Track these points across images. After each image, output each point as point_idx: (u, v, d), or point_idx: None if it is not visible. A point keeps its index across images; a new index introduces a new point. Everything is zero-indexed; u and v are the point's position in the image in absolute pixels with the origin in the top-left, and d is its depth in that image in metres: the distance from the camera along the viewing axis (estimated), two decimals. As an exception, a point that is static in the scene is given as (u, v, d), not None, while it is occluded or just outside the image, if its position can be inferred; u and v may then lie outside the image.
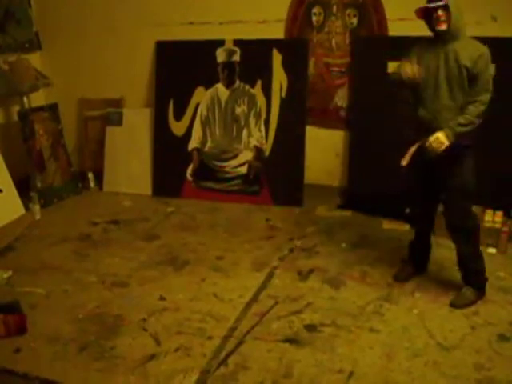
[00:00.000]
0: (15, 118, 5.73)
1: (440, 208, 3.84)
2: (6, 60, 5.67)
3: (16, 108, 5.81)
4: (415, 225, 4.09)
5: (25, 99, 5.78)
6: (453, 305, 3.67)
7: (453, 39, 3.37)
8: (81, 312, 3.70)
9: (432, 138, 3.37)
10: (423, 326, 3.48)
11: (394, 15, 5.00)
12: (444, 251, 4.26)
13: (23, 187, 5.32)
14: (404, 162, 3.58)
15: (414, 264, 4.07)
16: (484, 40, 3.44)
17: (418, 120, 3.56)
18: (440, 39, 3.41)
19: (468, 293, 3.71)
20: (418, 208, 3.92)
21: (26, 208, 5.20)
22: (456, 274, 3.84)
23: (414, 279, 4.00)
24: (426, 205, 3.85)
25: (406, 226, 4.80)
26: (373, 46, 5.23)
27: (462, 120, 3.34)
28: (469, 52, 3.32)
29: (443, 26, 3.35)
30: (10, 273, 4.20)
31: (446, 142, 3.35)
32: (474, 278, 3.73)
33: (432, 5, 3.35)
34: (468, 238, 3.62)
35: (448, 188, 3.55)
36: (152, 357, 3.22)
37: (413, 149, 3.56)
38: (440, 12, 3.32)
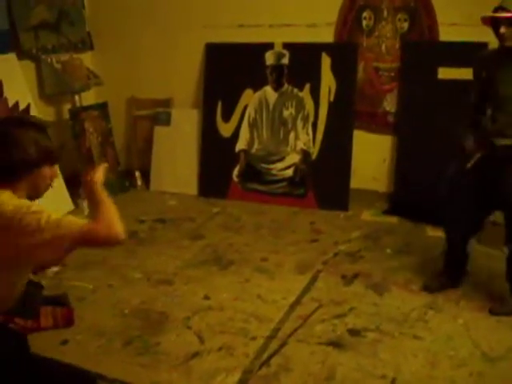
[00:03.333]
0: (66, 116, 5.84)
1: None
2: (59, 59, 5.79)
3: (67, 106, 5.93)
4: (448, 235, 3.89)
5: (76, 98, 5.88)
6: (492, 311, 3.59)
7: None
8: (126, 307, 3.75)
9: None
10: (468, 335, 3.43)
11: (446, 20, 4.94)
12: (492, 261, 4.18)
13: (72, 184, 5.42)
14: (469, 165, 3.53)
15: (448, 275, 3.95)
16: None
17: (487, 131, 3.47)
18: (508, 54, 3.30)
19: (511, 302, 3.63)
20: (452, 217, 3.77)
21: (75, 204, 5.30)
22: (505, 286, 3.75)
23: (460, 288, 3.94)
24: (463, 213, 3.69)
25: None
26: (423, 50, 5.18)
27: None
28: None
29: (509, 43, 3.22)
30: (58, 267, 4.29)
31: None
32: None
33: (495, 15, 3.19)
34: None
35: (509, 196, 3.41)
36: (195, 354, 3.24)
37: (478, 155, 3.51)
38: (503, 29, 3.17)
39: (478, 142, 3.53)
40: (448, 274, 3.95)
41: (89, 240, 2.00)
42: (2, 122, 2.12)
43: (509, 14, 3.13)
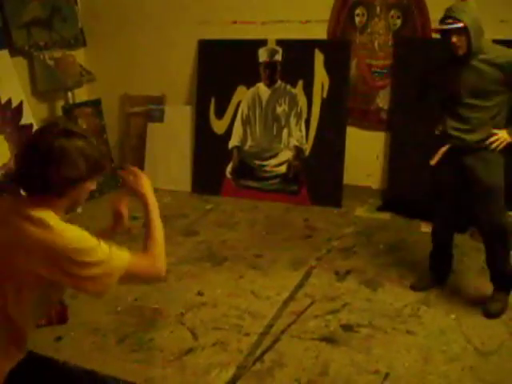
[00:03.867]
0: (59, 112, 5.84)
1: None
2: (52, 56, 5.78)
3: (60, 103, 5.92)
4: (436, 234, 3.89)
5: (69, 94, 5.87)
6: (487, 312, 3.57)
7: (474, 56, 3.28)
8: (120, 304, 3.76)
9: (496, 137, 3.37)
10: (460, 330, 3.45)
11: (438, 17, 4.89)
12: (483, 256, 4.20)
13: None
14: (433, 162, 3.60)
15: (434, 274, 3.96)
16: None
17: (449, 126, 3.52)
18: (461, 59, 3.33)
19: (500, 297, 3.63)
20: (440, 216, 3.81)
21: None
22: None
23: (452, 283, 3.97)
24: (451, 212, 3.75)
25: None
26: (416, 47, 5.19)
27: None
28: (497, 62, 3.26)
29: (460, 52, 3.27)
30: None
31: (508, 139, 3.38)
32: (504, 279, 3.66)
33: (445, 27, 3.23)
34: (500, 238, 3.53)
35: (480, 186, 3.46)
36: (189, 350, 3.26)
37: (443, 149, 3.56)
38: (454, 38, 3.21)
39: (442, 137, 3.60)
40: (434, 273, 3.96)
41: (132, 276, 1.97)
42: (44, 133, 1.88)
43: (459, 25, 3.17)
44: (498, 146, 3.39)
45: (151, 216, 2.08)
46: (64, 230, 1.83)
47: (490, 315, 3.56)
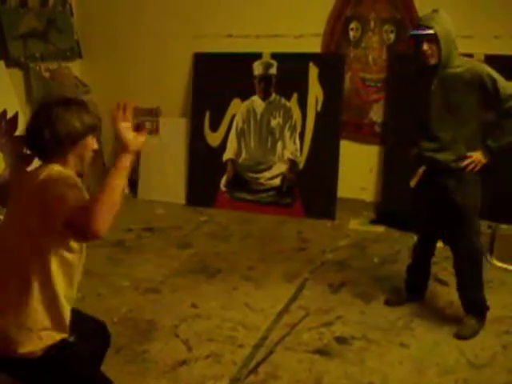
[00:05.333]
0: (55, 124, 5.83)
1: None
2: (48, 68, 5.80)
3: (56, 115, 5.91)
4: (416, 250, 3.85)
5: (64, 106, 5.87)
6: (458, 335, 3.51)
7: (446, 67, 3.26)
8: (114, 316, 3.75)
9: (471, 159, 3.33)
10: (453, 343, 3.46)
11: (432, 32, 5.00)
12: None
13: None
14: (412, 183, 3.60)
15: (409, 292, 3.93)
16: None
17: (424, 147, 3.50)
18: (431, 70, 3.32)
19: (472, 322, 3.55)
20: (421, 234, 3.79)
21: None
22: (487, 293, 3.77)
23: (445, 296, 3.98)
24: (429, 230, 3.72)
25: (438, 243, 4.77)
26: (409, 62, 5.22)
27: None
28: (467, 77, 3.23)
29: (431, 61, 3.25)
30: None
31: (483, 160, 3.34)
32: (477, 308, 3.59)
33: (414, 32, 3.23)
34: (473, 262, 3.49)
35: (455, 209, 3.42)
36: (183, 362, 3.25)
37: (420, 171, 3.56)
38: (425, 46, 3.20)
39: (418, 159, 3.59)
40: (410, 287, 3.93)
41: (76, 220, 1.94)
42: (46, 102, 2.22)
43: (428, 31, 3.18)
44: (473, 168, 3.34)
45: (113, 172, 2.01)
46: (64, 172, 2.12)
47: (459, 338, 3.50)
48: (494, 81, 3.20)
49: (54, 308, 2.14)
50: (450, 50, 3.23)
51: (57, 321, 2.16)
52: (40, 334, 2.11)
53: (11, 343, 2.08)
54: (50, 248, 2.09)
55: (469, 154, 3.34)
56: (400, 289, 4.00)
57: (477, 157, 3.34)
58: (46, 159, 2.20)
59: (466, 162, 3.34)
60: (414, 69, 3.52)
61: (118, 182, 1.98)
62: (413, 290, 3.93)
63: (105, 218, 1.91)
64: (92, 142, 2.25)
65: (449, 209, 3.46)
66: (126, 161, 2.02)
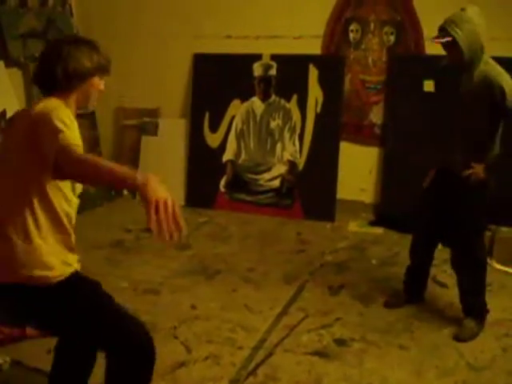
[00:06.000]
0: (54, 124, 5.83)
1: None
2: (48, 68, 5.78)
3: (55, 114, 5.91)
4: (415, 252, 3.84)
5: (64, 106, 5.86)
6: (457, 338, 3.51)
7: (471, 67, 3.24)
8: (113, 317, 3.74)
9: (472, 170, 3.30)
10: (453, 345, 3.46)
11: (431, 33, 4.97)
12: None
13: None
14: (425, 184, 3.60)
15: (407, 294, 3.92)
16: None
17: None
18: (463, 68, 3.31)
19: (471, 325, 3.54)
20: (422, 238, 3.76)
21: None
22: (487, 296, 3.77)
23: (445, 298, 3.98)
24: (431, 233, 3.71)
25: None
26: (409, 63, 5.24)
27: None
28: (481, 84, 3.20)
29: (456, 63, 3.25)
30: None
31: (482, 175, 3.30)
32: (476, 311, 3.58)
33: (435, 41, 3.21)
34: (474, 270, 3.48)
35: (459, 217, 3.42)
36: (182, 364, 3.24)
37: (432, 171, 3.58)
38: (446, 51, 3.22)
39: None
40: (409, 289, 3.93)
41: (65, 153, 1.96)
42: (58, 40, 2.29)
43: (445, 39, 3.17)
44: (473, 181, 3.30)
45: (116, 167, 1.97)
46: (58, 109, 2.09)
47: (459, 341, 3.50)
48: (503, 93, 3.14)
49: (60, 232, 2.24)
50: (474, 52, 3.18)
51: (65, 246, 2.28)
52: (52, 262, 2.18)
53: (22, 269, 2.12)
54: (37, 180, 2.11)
55: (473, 164, 3.30)
56: (399, 291, 3.99)
57: (477, 170, 3.29)
58: (48, 93, 2.23)
59: (467, 172, 3.31)
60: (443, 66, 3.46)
61: (109, 171, 1.93)
62: (412, 292, 3.93)
63: (85, 172, 1.98)
64: (99, 83, 2.30)
65: (454, 212, 3.46)
66: (129, 178, 1.90)
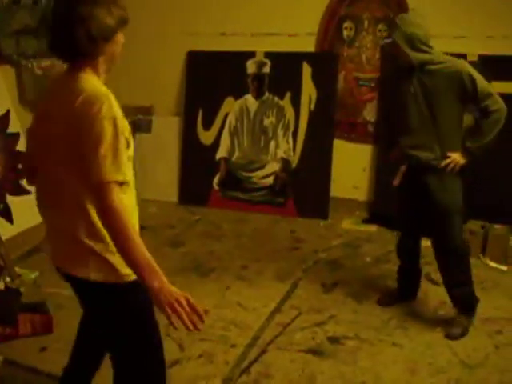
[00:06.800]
0: (47, 122, 5.80)
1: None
2: (40, 65, 5.76)
3: (48, 112, 5.88)
4: (401, 251, 3.84)
5: (57, 104, 5.83)
6: (449, 336, 3.52)
7: (422, 66, 3.27)
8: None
9: (450, 159, 3.34)
10: (446, 343, 3.47)
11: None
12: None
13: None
14: (395, 183, 3.59)
15: (401, 290, 3.94)
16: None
17: (405, 145, 3.50)
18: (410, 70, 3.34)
19: (461, 319, 3.57)
20: (404, 236, 3.77)
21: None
22: (480, 294, 3.77)
23: (438, 296, 3.98)
24: (412, 229, 3.72)
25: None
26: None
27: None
28: (447, 74, 3.24)
29: (405, 63, 3.29)
30: (37, 273, 4.27)
31: (462, 161, 3.34)
32: (465, 302, 3.60)
33: (381, 42, 3.30)
34: (457, 261, 3.49)
35: (437, 208, 3.43)
36: (175, 362, 3.24)
37: (402, 169, 3.57)
38: (394, 51, 3.27)
39: (399, 156, 3.60)
40: (402, 289, 3.94)
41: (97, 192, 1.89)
42: (71, 2, 1.99)
43: (387, 40, 3.33)
44: (452, 169, 3.34)
45: (146, 266, 1.98)
46: (98, 90, 2.00)
47: (450, 338, 3.52)
48: (474, 80, 3.20)
49: None
50: (419, 51, 3.24)
51: None
52: (111, 260, 2.07)
53: (85, 267, 2.07)
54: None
55: (448, 154, 3.34)
56: (392, 288, 4.00)
57: (455, 157, 3.33)
58: (76, 63, 2.05)
59: (445, 162, 3.34)
60: (393, 70, 3.57)
61: (131, 254, 1.90)
62: (405, 290, 3.94)
63: (108, 226, 1.90)
64: (121, 36, 2.12)
65: (431, 207, 3.47)
66: (145, 280, 1.94)
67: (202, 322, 1.93)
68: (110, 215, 1.87)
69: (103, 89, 2.03)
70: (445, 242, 3.50)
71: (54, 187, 2.07)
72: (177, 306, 1.92)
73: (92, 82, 2.04)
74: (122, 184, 1.93)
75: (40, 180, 2.18)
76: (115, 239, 1.89)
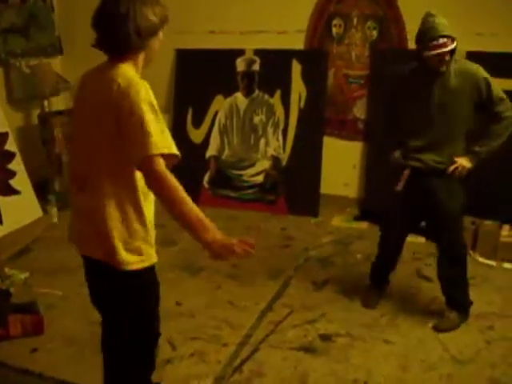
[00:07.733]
0: (35, 121, 5.78)
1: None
2: (28, 63, 5.73)
3: (36, 111, 5.86)
4: (385, 248, 3.84)
5: (45, 103, 5.81)
6: (437, 328, 3.56)
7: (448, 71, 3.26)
8: (97, 315, 3.71)
9: (457, 164, 3.33)
10: (438, 339, 3.48)
11: (415, 28, 4.97)
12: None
13: (41, 190, 5.36)
14: (399, 188, 3.57)
15: (378, 286, 3.95)
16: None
17: (411, 147, 3.48)
18: (433, 71, 3.29)
19: (452, 315, 3.60)
20: (394, 231, 3.74)
21: (44, 211, 5.23)
22: (471, 289, 3.79)
23: (429, 292, 3.99)
24: (404, 229, 3.73)
25: (422, 239, 4.78)
26: (392, 58, 5.23)
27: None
28: (462, 79, 3.24)
29: (444, 68, 3.23)
30: (27, 274, 4.24)
31: (469, 165, 3.35)
32: (460, 302, 3.63)
33: (444, 50, 3.12)
34: (456, 263, 3.52)
35: (441, 212, 3.45)
36: (167, 361, 3.23)
37: (406, 173, 3.55)
38: (447, 57, 3.19)
39: (402, 161, 3.58)
40: (377, 282, 3.95)
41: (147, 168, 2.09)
42: (122, 1, 2.10)
43: (453, 45, 3.16)
44: (460, 173, 3.35)
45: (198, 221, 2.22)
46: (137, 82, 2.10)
47: (437, 331, 3.55)
48: (489, 85, 3.22)
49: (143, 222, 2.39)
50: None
51: (149, 237, 2.45)
52: (139, 248, 2.36)
53: (115, 254, 2.25)
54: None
55: (455, 158, 3.34)
56: (369, 287, 3.99)
57: (462, 162, 3.34)
58: (119, 56, 2.18)
59: (452, 167, 3.34)
60: (410, 69, 3.47)
61: (184, 213, 2.17)
62: (383, 282, 3.96)
63: (159, 195, 2.16)
64: (161, 34, 2.26)
65: (434, 210, 3.47)
66: (198, 237, 2.21)
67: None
68: (160, 183, 2.10)
69: (140, 79, 2.15)
70: (446, 244, 3.51)
71: (90, 171, 2.22)
72: (227, 255, 2.23)
73: (131, 71, 2.15)
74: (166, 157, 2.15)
75: (77, 162, 2.35)
76: (168, 204, 2.13)
